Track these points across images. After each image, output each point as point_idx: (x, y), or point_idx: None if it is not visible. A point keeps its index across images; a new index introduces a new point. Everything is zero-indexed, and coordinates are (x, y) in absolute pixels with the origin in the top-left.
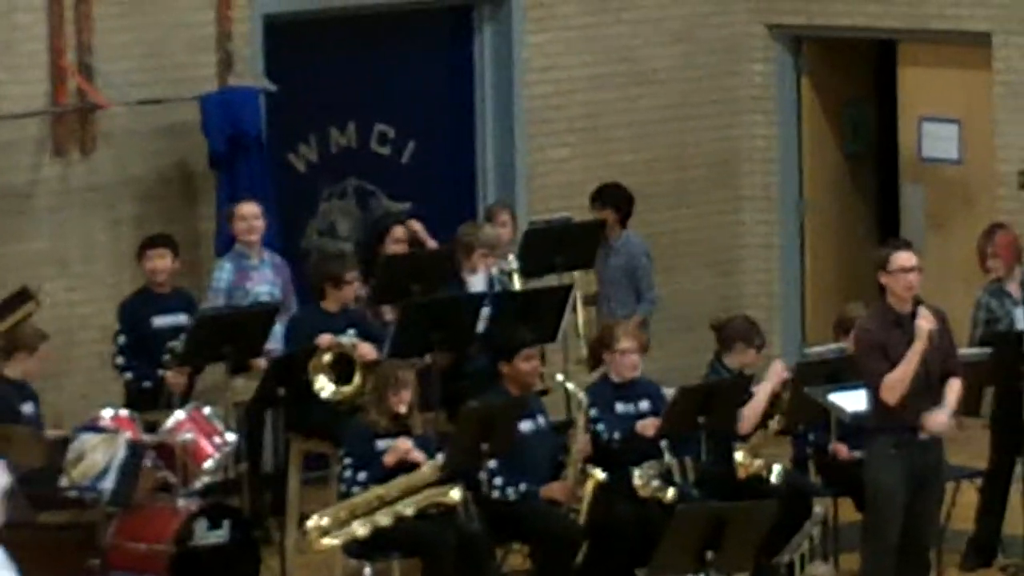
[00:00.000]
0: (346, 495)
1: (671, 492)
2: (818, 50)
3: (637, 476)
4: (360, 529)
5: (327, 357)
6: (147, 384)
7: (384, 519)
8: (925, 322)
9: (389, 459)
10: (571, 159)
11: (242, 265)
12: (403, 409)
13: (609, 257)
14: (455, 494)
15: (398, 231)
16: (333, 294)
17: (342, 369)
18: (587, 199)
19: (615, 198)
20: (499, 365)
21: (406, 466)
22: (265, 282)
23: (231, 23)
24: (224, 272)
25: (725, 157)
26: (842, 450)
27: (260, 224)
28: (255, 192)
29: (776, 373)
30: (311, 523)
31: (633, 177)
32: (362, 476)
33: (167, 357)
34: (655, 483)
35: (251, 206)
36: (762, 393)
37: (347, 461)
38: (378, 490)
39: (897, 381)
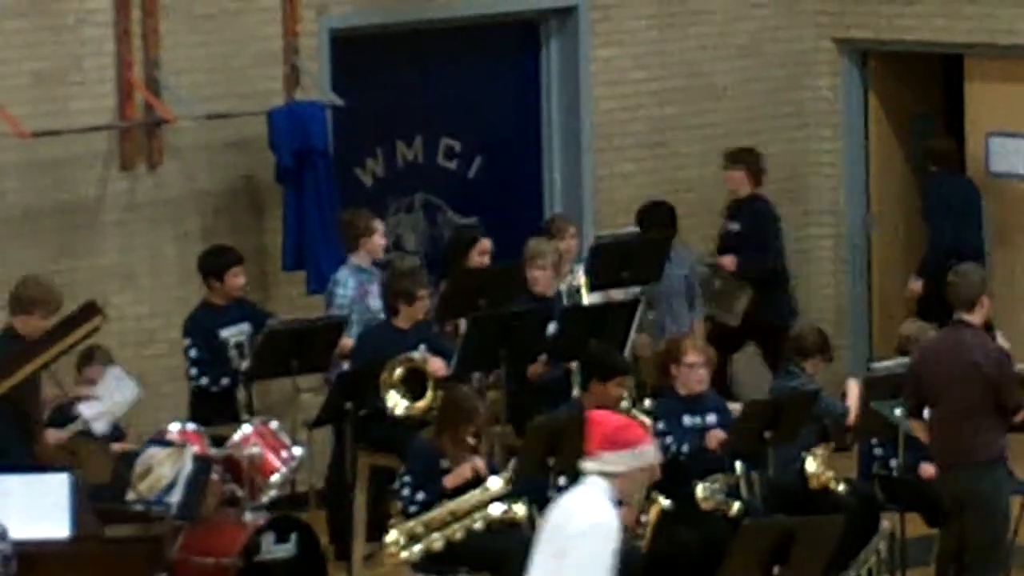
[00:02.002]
0: (404, 513)
1: (736, 506)
2: (885, 65)
3: (701, 489)
4: (436, 543)
5: (398, 372)
6: (225, 381)
7: (458, 534)
8: None
9: (450, 481)
10: (637, 174)
11: (361, 280)
12: (473, 441)
13: (668, 268)
14: (520, 510)
15: (485, 243)
16: (405, 310)
17: (413, 384)
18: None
19: (659, 217)
20: (590, 383)
21: (469, 483)
22: (379, 296)
23: (298, 38)
24: (348, 289)
25: (792, 172)
26: (928, 470)
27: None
28: (322, 206)
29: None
30: (390, 538)
31: (699, 192)
32: (420, 496)
33: (234, 353)
34: (719, 497)
35: (382, 223)
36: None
37: (407, 479)
38: (451, 505)
39: None
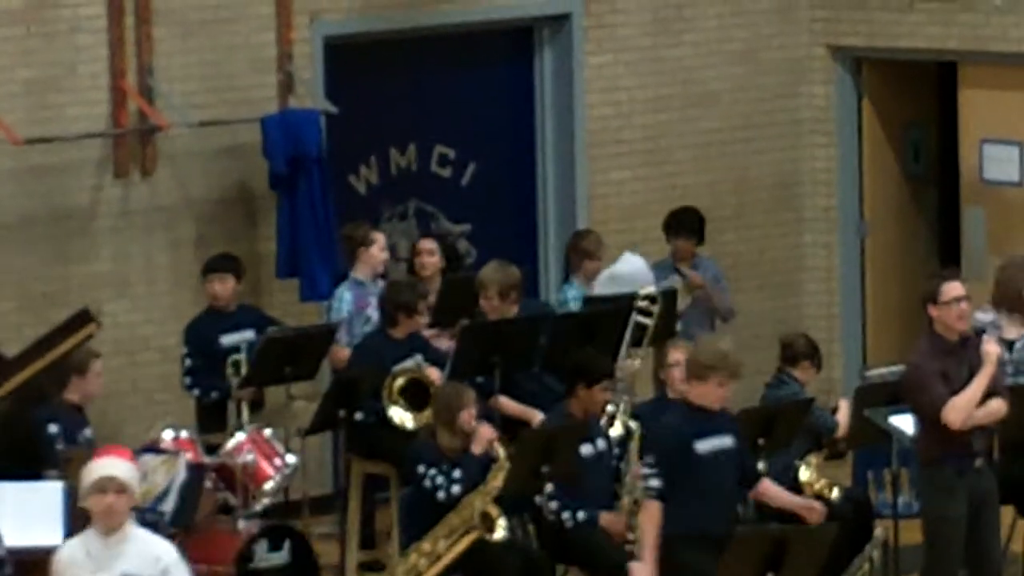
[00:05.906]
0: (446, 500)
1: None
2: (879, 72)
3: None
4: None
5: (398, 383)
6: (215, 394)
7: (433, 570)
8: (993, 346)
9: (476, 448)
10: (631, 181)
11: (359, 293)
12: (473, 425)
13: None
14: (499, 534)
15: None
16: (405, 322)
17: (414, 396)
18: (647, 221)
19: (687, 223)
20: (576, 388)
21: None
22: (377, 308)
23: (292, 45)
24: (344, 303)
25: (786, 179)
26: None
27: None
28: (316, 214)
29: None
30: None
31: (694, 199)
32: (457, 474)
33: (231, 370)
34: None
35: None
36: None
37: (432, 472)
38: (424, 546)
39: (966, 403)
